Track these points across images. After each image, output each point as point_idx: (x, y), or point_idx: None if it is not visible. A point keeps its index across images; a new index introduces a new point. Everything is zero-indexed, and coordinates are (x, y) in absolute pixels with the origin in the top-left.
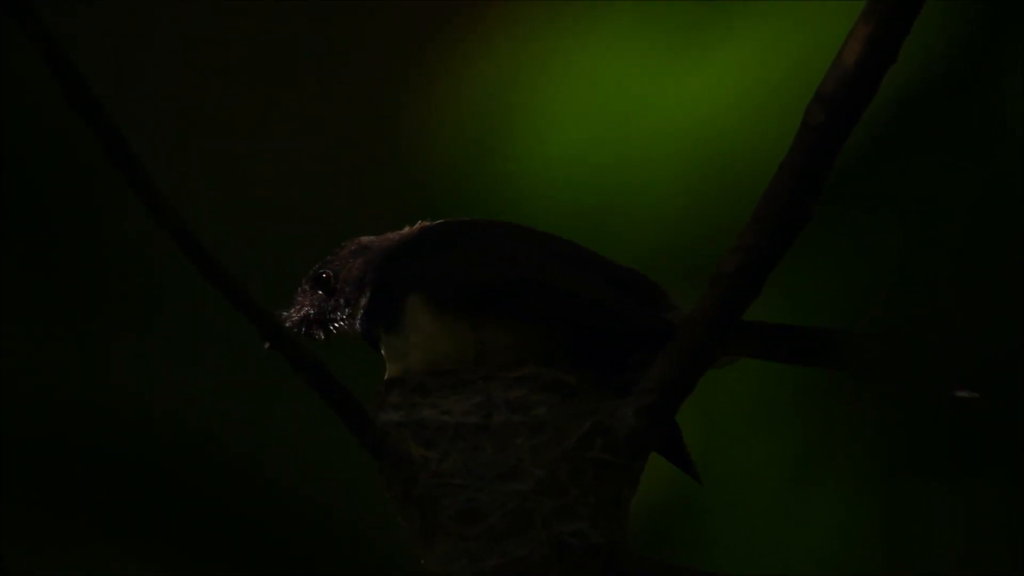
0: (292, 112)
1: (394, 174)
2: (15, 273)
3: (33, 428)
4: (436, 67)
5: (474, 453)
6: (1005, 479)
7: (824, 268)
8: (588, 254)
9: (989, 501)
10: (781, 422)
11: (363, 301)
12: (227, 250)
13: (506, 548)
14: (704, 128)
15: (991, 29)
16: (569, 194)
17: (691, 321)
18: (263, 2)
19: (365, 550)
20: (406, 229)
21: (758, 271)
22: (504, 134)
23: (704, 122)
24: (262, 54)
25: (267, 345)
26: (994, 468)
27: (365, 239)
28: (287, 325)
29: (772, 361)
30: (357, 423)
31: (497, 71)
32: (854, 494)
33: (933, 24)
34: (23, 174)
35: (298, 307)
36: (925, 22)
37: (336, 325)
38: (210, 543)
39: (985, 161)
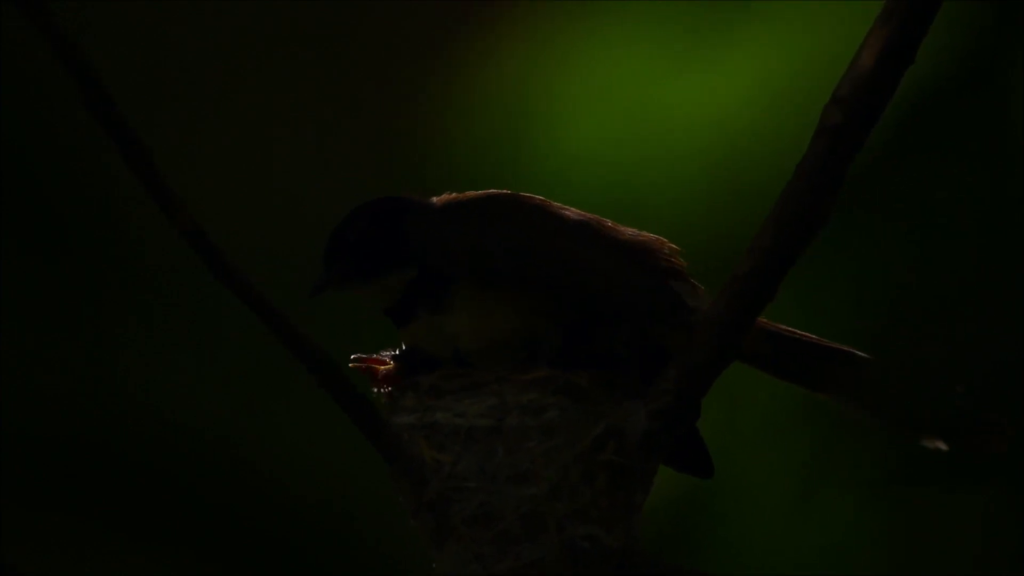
0: (305, 113)
1: (408, 175)
2: (22, 274)
3: (39, 430)
4: (450, 68)
5: (487, 456)
6: (1009, 486)
7: (838, 270)
8: (605, 230)
9: (993, 507)
10: (790, 429)
11: (406, 273)
12: (239, 250)
13: (519, 552)
14: (718, 128)
15: (1001, 32)
16: (583, 194)
17: (706, 323)
18: (274, 1)
19: (376, 553)
20: (445, 196)
21: (774, 273)
22: (518, 135)
23: (718, 122)
24: (275, 54)
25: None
26: (998, 476)
27: (404, 198)
28: (323, 282)
29: (772, 374)
30: (369, 425)
31: (511, 72)
32: (861, 500)
33: (944, 26)
34: (31, 174)
35: (335, 262)
36: (936, 24)
37: (372, 283)
38: (216, 544)
39: (995, 163)
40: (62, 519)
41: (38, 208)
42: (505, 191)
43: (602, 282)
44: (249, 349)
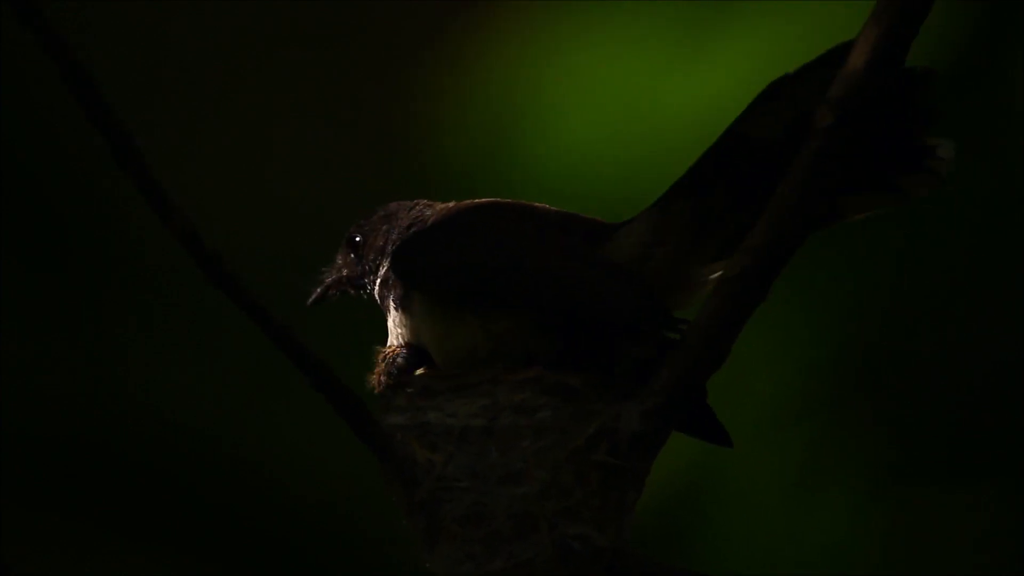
0: (304, 113)
1: (402, 173)
2: (22, 274)
3: (39, 430)
4: (444, 66)
5: (479, 456)
6: (1007, 485)
7: (832, 269)
8: (588, 230)
9: (992, 506)
10: (787, 428)
11: (383, 272)
12: (238, 250)
13: (511, 551)
14: (710, 126)
15: (996, 28)
16: (575, 191)
17: (697, 324)
18: (273, 1)
19: (370, 553)
20: (438, 204)
21: (765, 274)
22: (511, 132)
23: (710, 120)
24: (275, 54)
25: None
26: (997, 474)
27: (394, 205)
28: (321, 288)
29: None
30: (361, 426)
31: (504, 70)
32: (859, 499)
33: (938, 23)
34: (31, 174)
35: (334, 268)
36: (930, 20)
37: (365, 291)
38: (216, 544)
39: (991, 159)
40: (62, 519)
41: (38, 209)
42: (488, 201)
43: (589, 297)
44: (249, 349)
